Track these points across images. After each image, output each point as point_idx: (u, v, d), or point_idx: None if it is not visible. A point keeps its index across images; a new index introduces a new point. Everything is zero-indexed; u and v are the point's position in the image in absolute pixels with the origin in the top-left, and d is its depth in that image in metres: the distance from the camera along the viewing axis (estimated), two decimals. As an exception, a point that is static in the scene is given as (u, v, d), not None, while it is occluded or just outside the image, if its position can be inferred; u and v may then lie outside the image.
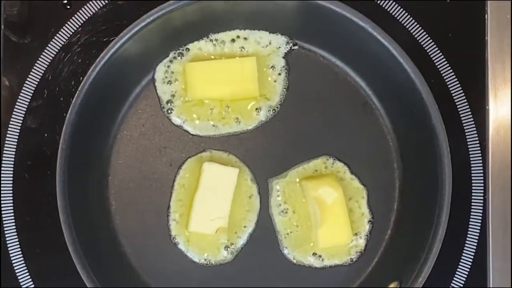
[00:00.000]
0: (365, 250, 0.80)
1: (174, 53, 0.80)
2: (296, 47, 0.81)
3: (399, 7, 0.83)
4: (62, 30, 0.82)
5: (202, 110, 0.80)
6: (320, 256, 0.79)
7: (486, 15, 0.83)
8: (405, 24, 0.83)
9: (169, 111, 0.80)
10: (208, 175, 0.77)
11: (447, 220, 0.72)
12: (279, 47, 0.81)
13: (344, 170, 0.80)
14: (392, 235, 0.79)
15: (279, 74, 0.81)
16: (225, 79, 0.78)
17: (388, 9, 0.83)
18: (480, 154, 0.81)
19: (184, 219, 0.78)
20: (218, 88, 0.79)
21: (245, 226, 0.79)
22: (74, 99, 0.72)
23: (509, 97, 0.82)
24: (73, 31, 0.82)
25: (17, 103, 0.81)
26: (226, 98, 0.80)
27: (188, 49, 0.80)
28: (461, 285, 0.80)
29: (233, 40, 0.80)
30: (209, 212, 0.77)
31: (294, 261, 0.79)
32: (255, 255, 0.79)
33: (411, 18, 0.83)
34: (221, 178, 0.77)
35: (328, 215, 0.76)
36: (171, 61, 0.80)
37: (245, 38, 0.80)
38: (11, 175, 0.80)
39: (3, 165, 0.80)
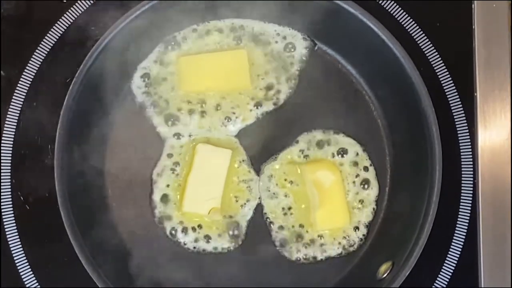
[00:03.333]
0: (367, 238, 0.80)
1: (166, 44, 0.81)
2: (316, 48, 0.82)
3: (387, -3, 0.85)
4: (58, 22, 0.83)
5: (193, 109, 0.80)
6: (316, 241, 0.79)
7: (473, 5, 0.85)
8: (393, 14, 0.84)
9: (150, 119, 0.81)
10: (202, 156, 0.77)
11: (437, 200, 0.73)
12: (275, 40, 0.82)
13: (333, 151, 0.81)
14: (384, 219, 0.80)
15: (277, 65, 0.82)
16: (217, 72, 0.79)
17: (377, -1, 0.85)
18: (469, 139, 0.82)
19: (179, 202, 0.79)
20: (210, 80, 0.80)
21: (242, 215, 0.80)
22: (71, 86, 0.74)
23: (496, 84, 0.83)
24: (69, 23, 0.83)
25: (14, 94, 0.82)
26: (218, 90, 0.80)
27: (185, 38, 0.81)
28: (453, 267, 0.80)
29: (231, 31, 0.82)
30: (202, 192, 0.77)
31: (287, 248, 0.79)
32: (248, 240, 0.80)
33: (399, 8, 0.84)
34: (214, 159, 0.77)
35: (326, 198, 0.77)
36: (162, 53, 0.81)
37: (241, 28, 0.82)
38: (9, 165, 0.81)
39: (1, 155, 0.81)
